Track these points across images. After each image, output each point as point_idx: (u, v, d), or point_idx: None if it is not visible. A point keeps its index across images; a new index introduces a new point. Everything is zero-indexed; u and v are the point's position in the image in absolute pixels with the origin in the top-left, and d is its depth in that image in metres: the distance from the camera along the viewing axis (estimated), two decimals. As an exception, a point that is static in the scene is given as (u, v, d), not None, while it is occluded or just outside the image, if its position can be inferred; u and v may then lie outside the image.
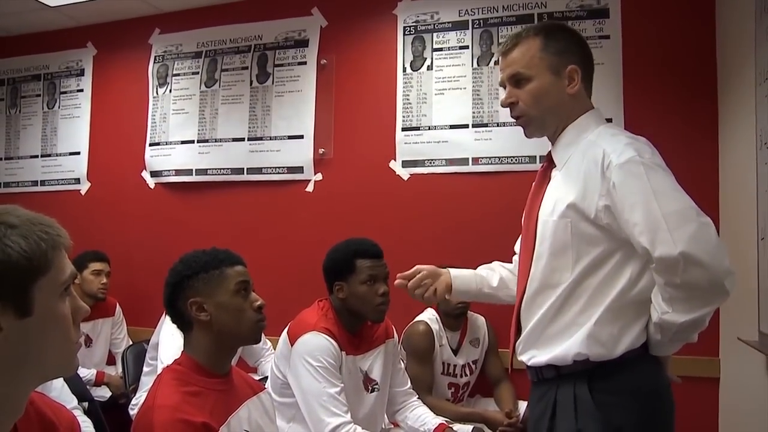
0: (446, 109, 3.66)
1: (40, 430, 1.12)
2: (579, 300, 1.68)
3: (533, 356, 1.76)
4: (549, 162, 1.84)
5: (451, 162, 3.63)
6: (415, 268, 2.05)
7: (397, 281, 2.05)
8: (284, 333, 2.50)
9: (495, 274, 2.08)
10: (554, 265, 1.71)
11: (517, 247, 2.00)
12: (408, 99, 3.73)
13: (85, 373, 3.59)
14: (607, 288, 1.65)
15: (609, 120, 3.32)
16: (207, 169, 4.15)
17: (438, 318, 3.23)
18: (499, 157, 3.47)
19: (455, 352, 3.24)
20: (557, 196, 1.72)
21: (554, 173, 1.80)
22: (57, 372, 1.09)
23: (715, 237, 1.55)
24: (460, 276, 2.06)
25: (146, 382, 3.21)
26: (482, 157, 3.56)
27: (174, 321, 1.85)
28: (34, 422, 1.10)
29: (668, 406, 1.71)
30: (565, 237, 1.68)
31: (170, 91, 4.29)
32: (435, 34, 3.72)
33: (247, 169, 4.06)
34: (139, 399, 3.21)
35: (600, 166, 1.62)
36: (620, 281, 1.65)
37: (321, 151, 3.89)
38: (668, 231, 1.51)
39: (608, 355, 1.64)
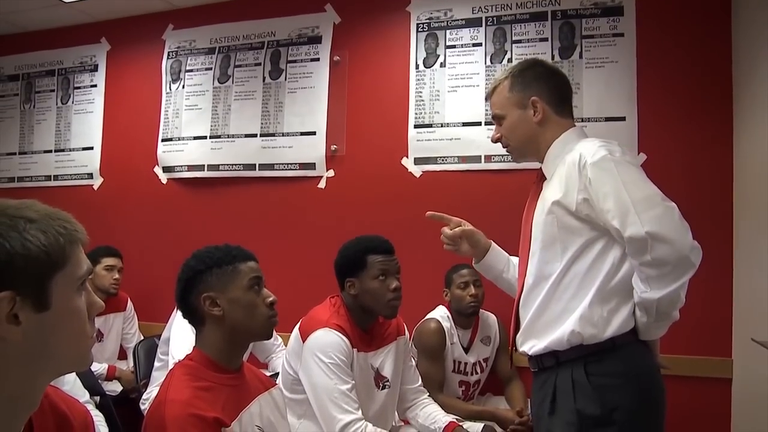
0: (459, 107, 3.65)
1: (54, 423, 1.12)
2: (569, 287, 1.87)
3: (533, 345, 1.94)
4: (540, 177, 2.07)
5: (463, 159, 3.62)
6: (461, 227, 2.28)
7: (428, 213, 2.31)
8: (296, 329, 2.50)
9: None
10: (546, 257, 1.93)
11: None
12: (421, 96, 3.73)
13: (97, 367, 3.60)
14: (593, 274, 1.85)
15: (623, 118, 3.32)
16: (219, 165, 4.16)
17: (449, 316, 3.22)
18: (511, 155, 3.46)
19: (466, 350, 3.23)
20: (545, 199, 1.95)
21: (545, 185, 2.02)
22: (72, 366, 1.09)
23: (678, 217, 1.74)
24: (495, 251, 2.27)
25: (157, 377, 3.22)
26: (495, 155, 3.54)
27: (186, 316, 1.85)
28: (48, 416, 1.11)
29: (659, 388, 1.89)
30: (553, 230, 1.90)
31: (183, 86, 4.30)
32: (448, 31, 3.72)
33: (260, 165, 4.07)
34: (150, 393, 3.22)
35: (577, 166, 1.85)
36: (604, 267, 1.84)
37: (333, 147, 3.89)
38: (636, 214, 1.72)
39: (599, 336, 1.82)
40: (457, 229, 2.27)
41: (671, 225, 1.71)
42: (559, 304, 1.89)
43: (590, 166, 1.82)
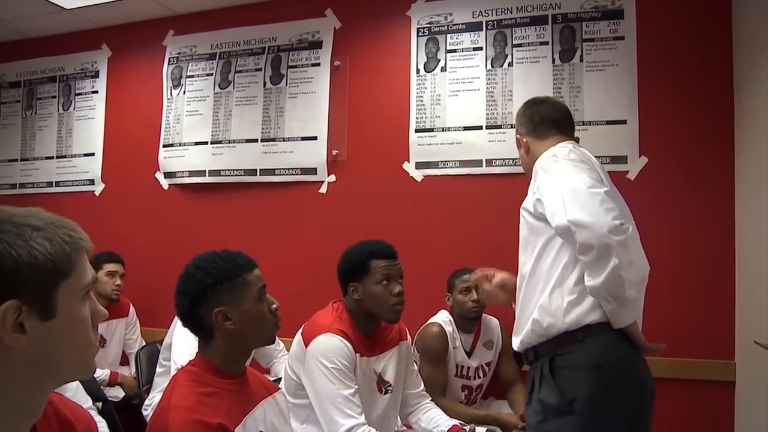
0: (460, 111, 3.65)
1: (59, 429, 1.12)
2: (538, 284, 2.03)
3: (517, 343, 2.11)
4: None
5: (464, 163, 3.62)
6: (498, 278, 2.37)
7: (475, 277, 2.44)
8: (298, 334, 2.50)
9: None
10: (522, 259, 2.13)
11: None
12: (422, 100, 3.73)
13: (99, 373, 3.60)
14: (555, 268, 1.99)
15: (623, 122, 3.32)
16: (220, 170, 4.16)
17: (452, 320, 3.22)
18: (513, 159, 3.45)
19: (469, 354, 3.23)
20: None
21: None
22: (76, 374, 1.08)
23: (600, 201, 1.85)
24: None
25: (159, 383, 3.22)
26: (496, 159, 3.55)
27: (191, 328, 1.82)
28: (52, 422, 1.11)
29: (626, 379, 1.94)
30: (524, 232, 2.12)
31: (184, 92, 4.30)
32: (449, 36, 3.72)
33: (261, 170, 4.07)
34: (152, 399, 3.22)
35: (535, 173, 2.11)
36: (563, 260, 1.98)
37: (334, 152, 3.90)
38: (563, 205, 1.88)
39: (557, 325, 1.96)
40: (495, 280, 2.36)
41: (590, 210, 1.83)
42: (532, 300, 2.05)
43: (538, 169, 2.08)
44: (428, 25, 3.76)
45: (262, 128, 4.08)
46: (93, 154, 4.59)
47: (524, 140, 2.29)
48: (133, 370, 3.71)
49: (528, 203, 2.09)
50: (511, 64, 3.57)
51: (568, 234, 1.86)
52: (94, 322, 1.06)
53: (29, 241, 0.95)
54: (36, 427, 1.06)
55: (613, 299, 1.85)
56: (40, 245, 0.96)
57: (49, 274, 0.97)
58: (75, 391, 2.57)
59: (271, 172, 4.05)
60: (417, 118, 3.73)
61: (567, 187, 1.91)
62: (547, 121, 2.27)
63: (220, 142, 4.17)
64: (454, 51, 3.70)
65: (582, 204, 1.84)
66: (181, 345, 2.94)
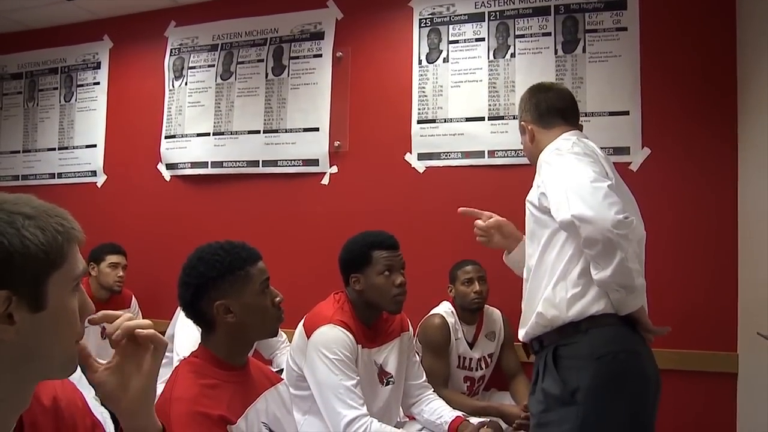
0: (462, 102, 3.64)
1: (41, 413, 1.09)
2: (545, 276, 2.04)
3: (522, 334, 2.13)
4: None
5: (467, 155, 3.62)
6: (494, 217, 2.44)
7: (461, 209, 2.53)
8: (300, 326, 2.50)
9: None
10: (529, 251, 2.13)
11: None
12: (424, 91, 3.72)
13: (102, 363, 3.60)
14: (559, 260, 2.00)
15: (626, 113, 3.31)
16: (222, 162, 4.16)
17: (454, 311, 3.22)
18: (515, 150, 3.45)
19: (471, 345, 3.23)
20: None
21: None
22: (61, 370, 1.04)
23: (603, 195, 1.85)
24: (524, 246, 2.30)
25: (162, 374, 3.19)
26: (498, 150, 3.54)
27: (193, 319, 1.82)
28: (34, 408, 1.07)
29: (629, 370, 1.94)
30: (530, 225, 2.12)
31: (186, 83, 4.29)
32: (451, 27, 3.71)
33: (263, 161, 4.07)
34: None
35: (539, 166, 2.11)
36: (568, 253, 1.98)
37: (336, 143, 3.89)
38: (567, 200, 1.88)
39: (562, 317, 1.96)
40: (490, 220, 2.43)
41: (592, 204, 1.83)
42: (538, 292, 2.05)
43: (543, 163, 2.09)
44: (430, 16, 3.75)
45: (264, 119, 4.07)
46: (95, 146, 4.59)
47: (529, 128, 2.27)
48: (136, 361, 3.71)
49: (533, 196, 2.09)
50: (513, 55, 3.56)
51: (573, 228, 1.87)
52: (82, 315, 1.03)
53: (21, 229, 0.92)
54: (21, 416, 1.03)
55: (622, 289, 1.88)
56: (32, 234, 0.92)
57: (41, 264, 0.94)
58: (78, 382, 2.57)
59: (273, 163, 4.04)
60: (419, 109, 3.72)
61: (570, 182, 1.91)
62: (553, 110, 2.26)
63: (222, 134, 4.16)
64: (457, 42, 3.69)
65: (585, 198, 1.85)
66: (184, 336, 2.95)
